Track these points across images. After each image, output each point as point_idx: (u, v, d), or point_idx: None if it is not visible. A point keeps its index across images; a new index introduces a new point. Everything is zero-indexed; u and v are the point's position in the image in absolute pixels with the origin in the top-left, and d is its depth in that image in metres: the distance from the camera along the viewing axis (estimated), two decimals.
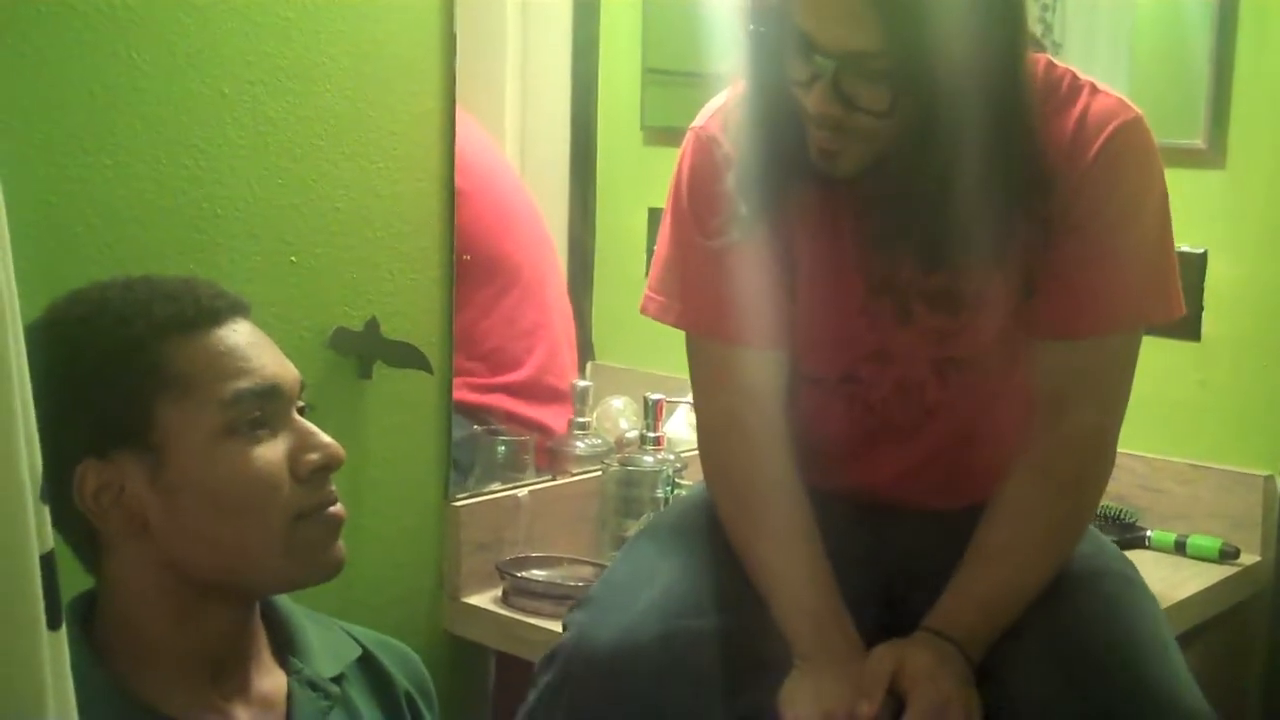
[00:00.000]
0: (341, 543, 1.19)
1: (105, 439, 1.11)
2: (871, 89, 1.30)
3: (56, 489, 1.06)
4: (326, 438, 1.18)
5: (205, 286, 1.18)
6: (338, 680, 1.26)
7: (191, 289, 1.17)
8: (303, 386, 1.20)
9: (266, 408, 1.15)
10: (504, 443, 2.04)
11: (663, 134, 2.49)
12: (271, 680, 1.22)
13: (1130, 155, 1.40)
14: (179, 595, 1.15)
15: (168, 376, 1.11)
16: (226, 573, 1.15)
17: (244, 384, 1.13)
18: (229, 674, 1.19)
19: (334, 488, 1.19)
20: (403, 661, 1.35)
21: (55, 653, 0.77)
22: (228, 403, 1.12)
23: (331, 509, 1.18)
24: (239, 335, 1.16)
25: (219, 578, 1.15)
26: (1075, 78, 1.42)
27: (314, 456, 1.16)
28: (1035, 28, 2.24)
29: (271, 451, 1.14)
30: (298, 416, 1.18)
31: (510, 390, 2.13)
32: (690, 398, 2.15)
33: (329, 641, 1.29)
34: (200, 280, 1.20)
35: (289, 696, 1.22)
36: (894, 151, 1.35)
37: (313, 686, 1.23)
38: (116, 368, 1.12)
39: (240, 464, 1.12)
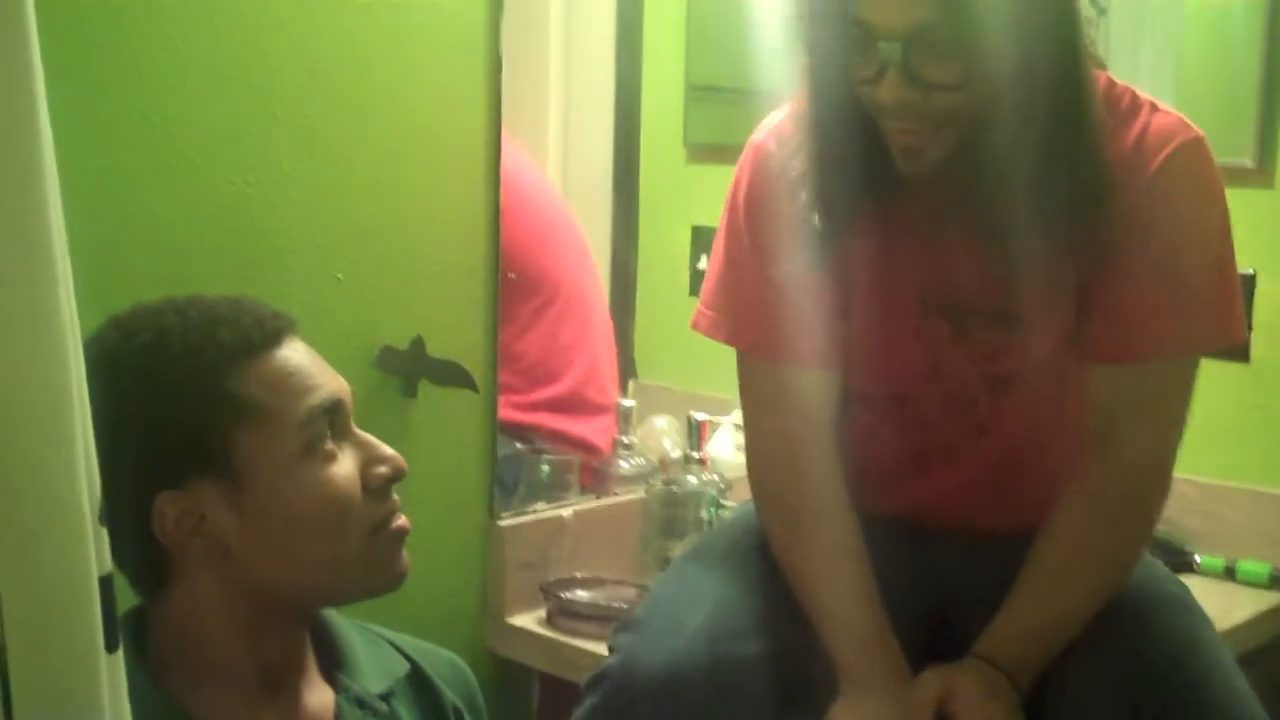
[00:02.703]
0: (405, 553, 1.22)
1: (183, 470, 1.12)
2: (940, 63, 1.29)
3: (126, 519, 1.07)
4: (389, 449, 1.20)
5: (256, 306, 1.19)
6: (386, 697, 1.26)
7: (245, 311, 1.17)
8: (353, 396, 1.22)
9: (334, 422, 1.17)
10: (548, 462, 2.04)
11: (706, 151, 2.49)
12: (320, 697, 1.23)
13: (1189, 175, 1.39)
14: (249, 616, 1.16)
15: (243, 406, 1.12)
16: (307, 589, 1.18)
17: (314, 401, 1.15)
18: (281, 692, 1.20)
19: (396, 497, 1.21)
20: (451, 673, 1.36)
21: (113, 675, 0.78)
22: (303, 423, 1.14)
23: (399, 522, 1.21)
24: (299, 354, 1.17)
25: (299, 594, 1.18)
26: (1135, 96, 1.41)
27: (383, 469, 1.19)
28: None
29: (344, 467, 1.16)
30: (356, 428, 1.20)
31: (550, 405, 2.13)
32: (734, 417, 2.16)
33: (377, 657, 1.29)
34: (246, 299, 1.21)
35: (337, 713, 1.22)
36: (964, 138, 1.34)
37: (360, 704, 1.23)
38: (190, 401, 1.12)
39: (320, 483, 1.14)
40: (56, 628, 0.75)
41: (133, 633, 1.15)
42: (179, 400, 1.12)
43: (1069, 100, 1.34)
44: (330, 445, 1.16)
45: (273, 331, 1.16)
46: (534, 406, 2.10)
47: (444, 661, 1.36)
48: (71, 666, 0.76)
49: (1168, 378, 1.42)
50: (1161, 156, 1.37)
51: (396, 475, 1.20)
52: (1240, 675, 1.38)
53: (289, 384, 1.14)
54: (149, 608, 1.18)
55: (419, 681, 1.31)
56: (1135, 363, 1.41)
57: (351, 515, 1.16)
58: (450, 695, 1.33)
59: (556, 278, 2.17)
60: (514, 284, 1.98)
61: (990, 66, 1.30)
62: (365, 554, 1.17)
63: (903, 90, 1.30)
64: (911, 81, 1.30)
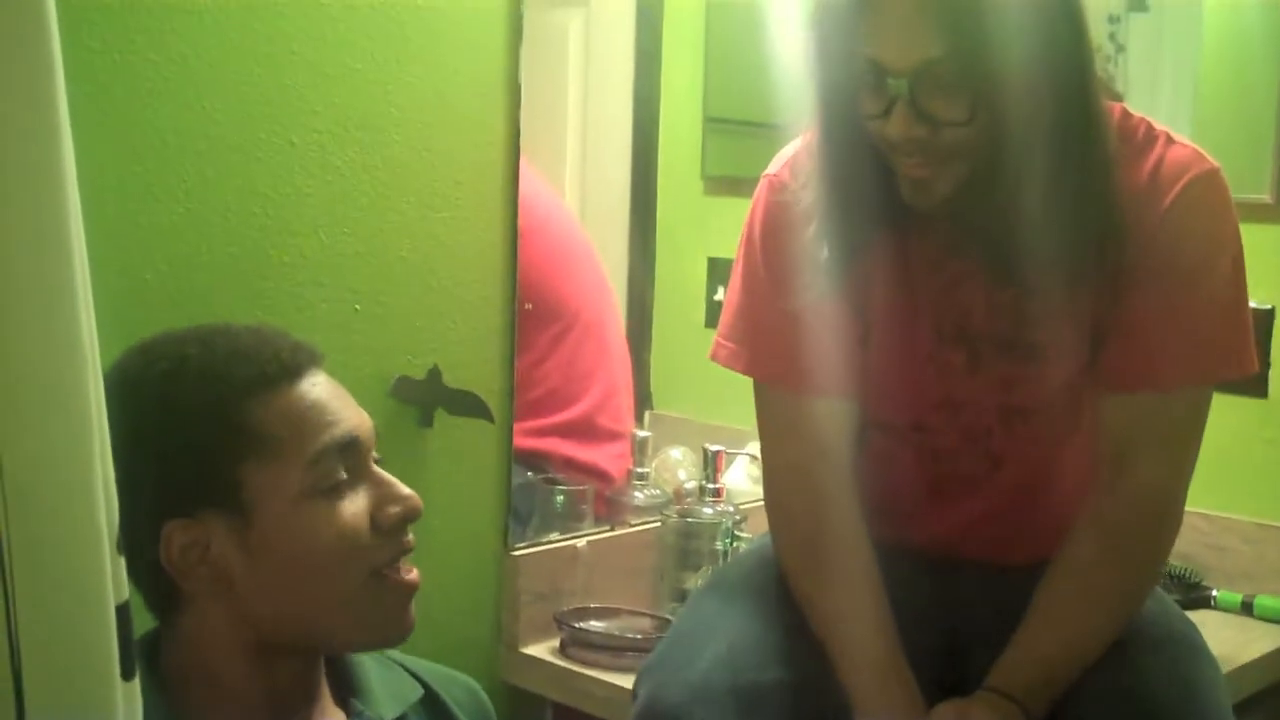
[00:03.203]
0: (413, 608, 1.20)
1: (192, 499, 1.12)
2: (948, 99, 1.30)
3: (139, 544, 1.07)
4: (405, 489, 1.18)
5: (279, 338, 1.18)
6: None
7: (268, 343, 1.16)
8: (376, 433, 1.20)
9: (348, 460, 1.15)
10: (562, 492, 2.03)
11: (723, 183, 2.49)
12: (314, 704, 1.22)
13: (1205, 207, 1.39)
14: (255, 649, 1.15)
15: (255, 438, 1.12)
16: (309, 628, 1.16)
17: (327, 438, 1.13)
18: (290, 714, 1.19)
19: (411, 537, 1.19)
20: (468, 699, 1.35)
21: (128, 703, 0.78)
22: (313, 461, 1.13)
23: (409, 575, 1.19)
24: (319, 389, 1.16)
25: (302, 633, 1.16)
26: (1151, 127, 1.42)
27: (395, 509, 1.17)
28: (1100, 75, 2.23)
29: (354, 506, 1.15)
30: (375, 466, 1.19)
31: (563, 431, 2.13)
32: (750, 449, 2.15)
33: (391, 682, 1.29)
34: (271, 331, 1.20)
35: None
36: (975, 172, 1.35)
37: None
38: (203, 430, 1.12)
39: (326, 522, 1.13)
40: (73, 655, 0.75)
41: (147, 655, 1.15)
42: (191, 429, 1.12)
43: (1079, 134, 1.34)
44: (341, 483, 1.14)
45: (292, 365, 1.15)
46: (544, 432, 2.10)
47: (461, 687, 1.35)
48: (87, 694, 0.76)
49: (1180, 409, 1.43)
50: (1177, 189, 1.38)
51: (410, 516, 1.18)
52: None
53: (303, 419, 1.13)
54: (163, 631, 1.18)
55: (433, 707, 1.30)
56: (1149, 391, 1.41)
57: (355, 554, 1.14)
58: None
59: (575, 304, 2.17)
60: (532, 312, 1.99)
61: (998, 102, 1.30)
62: (368, 596, 1.15)
63: (910, 126, 1.31)
64: (919, 117, 1.30)
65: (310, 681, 1.21)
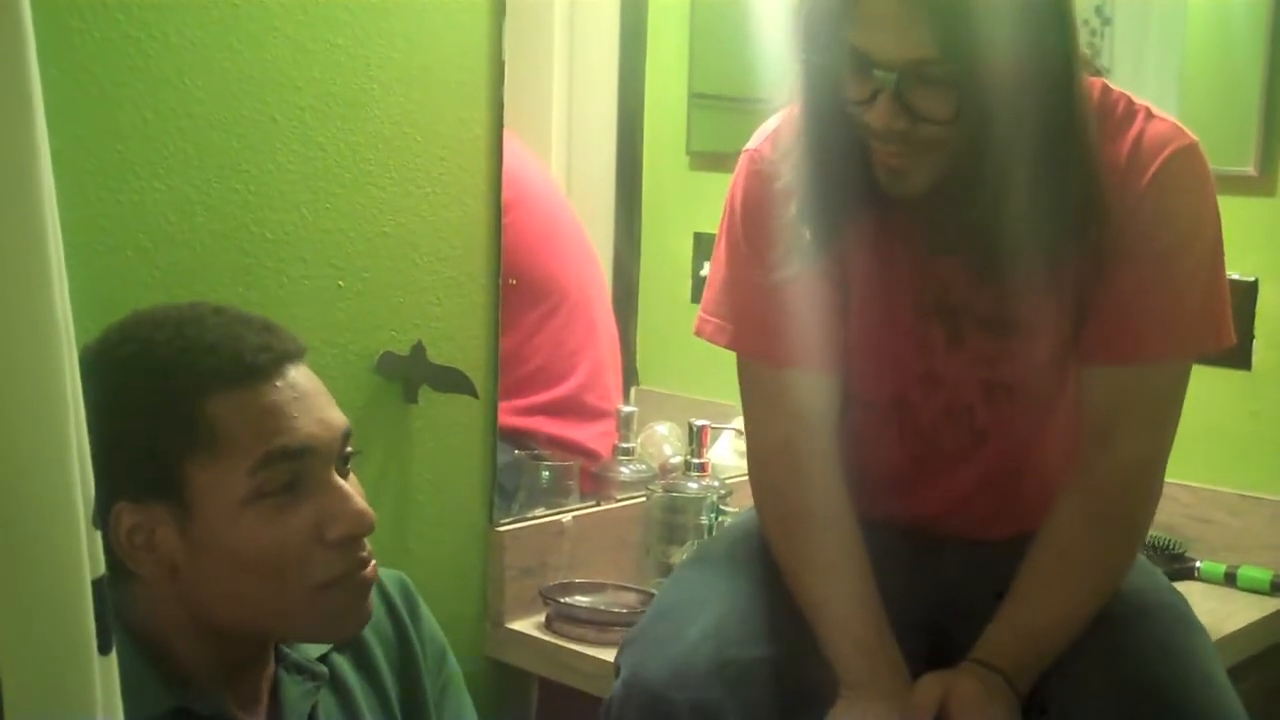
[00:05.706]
0: (370, 600, 1.18)
1: (138, 486, 1.11)
2: (934, 97, 1.29)
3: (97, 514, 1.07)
4: (358, 503, 1.15)
5: (255, 334, 1.15)
6: (325, 657, 1.25)
7: (239, 338, 1.13)
8: (347, 437, 1.17)
9: (299, 468, 1.12)
10: (548, 468, 2.04)
11: (709, 159, 2.49)
12: (268, 672, 1.22)
13: (1185, 181, 1.39)
14: (205, 631, 1.15)
15: (199, 437, 1.10)
16: (247, 628, 1.15)
17: (273, 446, 1.11)
18: (241, 680, 1.19)
19: (367, 551, 1.17)
20: (395, 589, 1.33)
21: (106, 678, 0.78)
22: (254, 467, 1.10)
23: (363, 572, 1.16)
24: (280, 391, 1.13)
25: (244, 628, 1.16)
26: (1131, 102, 1.42)
27: (339, 528, 1.13)
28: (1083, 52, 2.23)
29: (298, 518, 1.12)
30: (334, 477, 1.15)
31: (550, 409, 2.13)
32: (735, 423, 2.16)
33: None
34: (253, 325, 1.16)
35: (274, 685, 1.21)
36: (953, 168, 1.35)
37: (299, 670, 1.23)
38: (150, 423, 1.11)
39: (267, 531, 1.11)
40: (49, 629, 0.75)
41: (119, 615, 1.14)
42: (139, 418, 1.11)
43: (1061, 129, 1.33)
44: (290, 493, 1.12)
45: (255, 364, 1.12)
46: (532, 411, 2.10)
47: (392, 581, 1.33)
48: (64, 669, 0.76)
49: (1161, 381, 1.43)
50: (1156, 164, 1.38)
51: (357, 534, 1.15)
52: (1231, 690, 1.39)
53: (254, 423, 1.11)
54: (119, 598, 1.17)
55: (368, 633, 1.29)
56: (1130, 364, 1.41)
57: (294, 567, 1.12)
58: (389, 640, 1.31)
59: (563, 282, 2.16)
60: (520, 290, 1.98)
61: (984, 103, 1.29)
62: (313, 606, 1.14)
63: (894, 119, 1.30)
64: (903, 110, 1.30)
65: (264, 651, 1.21)
